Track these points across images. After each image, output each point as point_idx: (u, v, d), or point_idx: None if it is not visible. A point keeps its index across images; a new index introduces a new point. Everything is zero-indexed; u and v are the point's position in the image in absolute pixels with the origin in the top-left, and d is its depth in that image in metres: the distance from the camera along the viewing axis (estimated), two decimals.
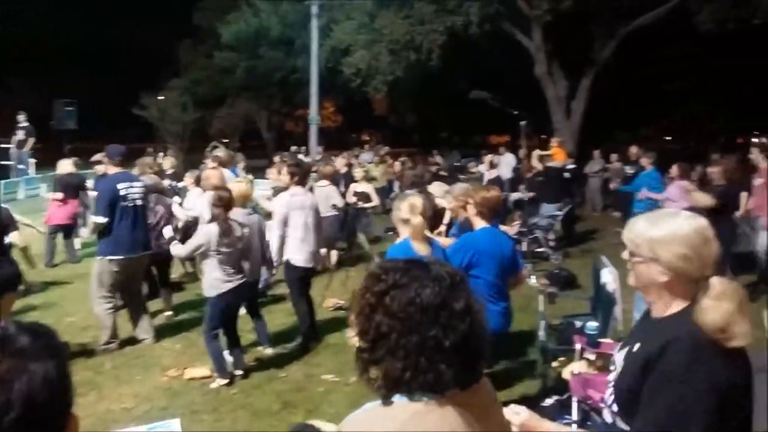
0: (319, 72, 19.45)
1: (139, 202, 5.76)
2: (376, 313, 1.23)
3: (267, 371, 5.22)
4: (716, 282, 1.63)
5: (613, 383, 1.84)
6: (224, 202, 4.85)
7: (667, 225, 1.71)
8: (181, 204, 7.29)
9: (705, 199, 6.71)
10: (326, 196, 8.22)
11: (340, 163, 12.02)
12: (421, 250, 3.52)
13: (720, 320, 1.56)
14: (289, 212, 5.58)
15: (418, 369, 1.19)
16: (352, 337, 1.31)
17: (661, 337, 1.68)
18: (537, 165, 10.63)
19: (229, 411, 4.53)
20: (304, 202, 5.74)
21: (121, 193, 5.61)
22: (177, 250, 5.14)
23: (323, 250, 8.46)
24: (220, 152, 8.46)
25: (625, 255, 1.82)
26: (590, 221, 12.89)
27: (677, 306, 1.71)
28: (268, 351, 5.63)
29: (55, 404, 0.90)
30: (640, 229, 1.76)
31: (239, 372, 5.09)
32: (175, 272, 7.70)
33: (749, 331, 1.57)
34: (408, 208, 3.65)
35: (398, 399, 1.23)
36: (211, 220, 4.88)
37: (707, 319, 1.57)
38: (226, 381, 4.92)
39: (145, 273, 6.31)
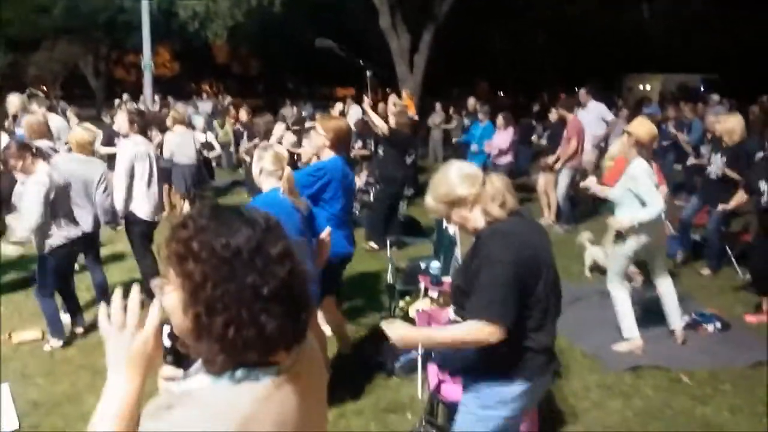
0: (151, 14, 17.87)
1: None
2: (187, 263, 1.07)
3: None
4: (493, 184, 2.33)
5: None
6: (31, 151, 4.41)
7: (442, 183, 2.38)
8: None
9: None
10: (181, 143, 7.77)
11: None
12: (296, 202, 3.44)
13: (500, 212, 2.29)
14: (134, 163, 5.22)
15: (240, 322, 1.05)
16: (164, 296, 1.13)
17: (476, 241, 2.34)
18: (393, 109, 10.66)
19: (67, 373, 4.23)
20: (147, 151, 5.38)
21: None
22: (25, 223, 4.34)
23: (180, 202, 8.09)
24: (16, 99, 7.51)
25: (445, 223, 2.33)
26: (433, 171, 13.51)
27: (483, 222, 2.33)
28: None
29: None
30: (432, 201, 2.40)
31: (79, 331, 4.79)
32: None
33: (516, 201, 2.36)
34: (273, 159, 3.49)
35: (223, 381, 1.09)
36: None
37: (496, 211, 2.28)
38: (60, 343, 4.59)
39: None
